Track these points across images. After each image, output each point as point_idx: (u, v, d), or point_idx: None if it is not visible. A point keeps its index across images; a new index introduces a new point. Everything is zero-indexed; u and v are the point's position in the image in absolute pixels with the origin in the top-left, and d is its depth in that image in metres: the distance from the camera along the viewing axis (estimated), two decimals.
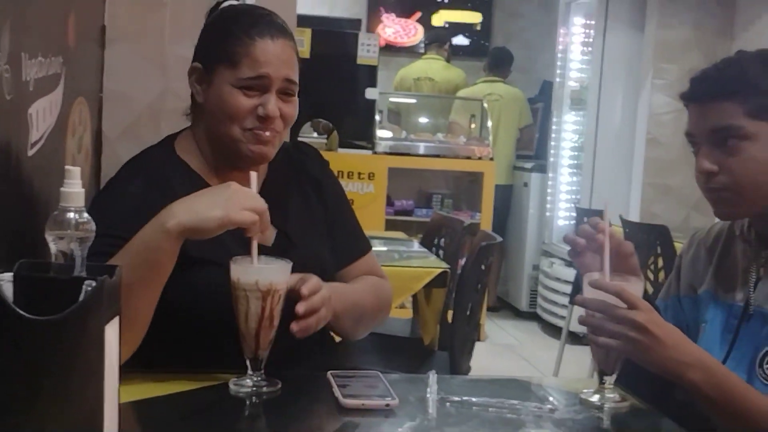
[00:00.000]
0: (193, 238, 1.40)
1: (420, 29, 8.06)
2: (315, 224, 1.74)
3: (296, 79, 1.62)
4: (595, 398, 1.47)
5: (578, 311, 1.46)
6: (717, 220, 1.72)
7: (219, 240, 1.42)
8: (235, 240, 1.46)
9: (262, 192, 1.60)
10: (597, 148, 5.69)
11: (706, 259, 1.68)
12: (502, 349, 5.52)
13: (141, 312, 1.41)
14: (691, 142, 1.57)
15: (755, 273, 1.56)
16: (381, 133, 5.56)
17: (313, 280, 1.48)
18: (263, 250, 1.44)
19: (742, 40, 5.20)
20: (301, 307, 1.44)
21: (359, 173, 5.25)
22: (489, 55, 6.96)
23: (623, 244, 1.56)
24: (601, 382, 1.48)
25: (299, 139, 4.47)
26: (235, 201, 1.39)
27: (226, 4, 1.70)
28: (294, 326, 1.44)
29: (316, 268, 1.57)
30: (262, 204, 1.41)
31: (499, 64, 6.68)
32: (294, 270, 1.46)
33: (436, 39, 7.00)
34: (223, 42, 1.59)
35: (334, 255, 1.74)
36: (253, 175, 1.48)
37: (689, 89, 1.56)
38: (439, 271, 3.07)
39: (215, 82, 1.59)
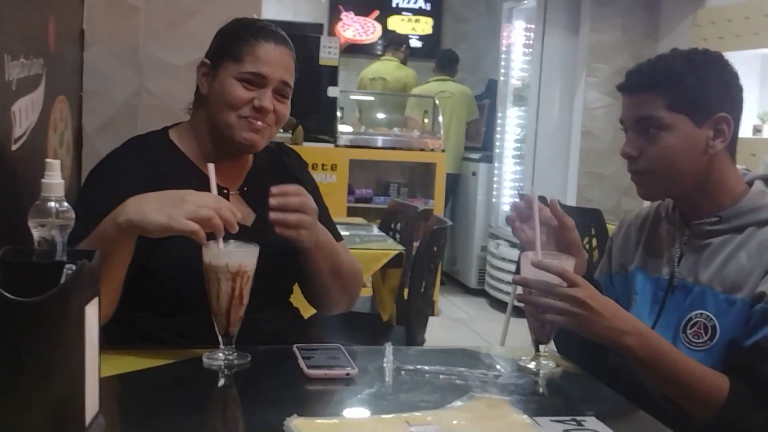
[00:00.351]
0: (142, 234, 1.37)
1: (378, 27, 8.03)
2: None
3: (291, 83, 1.67)
4: (533, 365, 1.49)
5: (522, 288, 1.47)
6: (645, 203, 1.75)
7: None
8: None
9: (246, 180, 1.68)
10: (537, 140, 5.72)
11: (636, 238, 1.70)
12: (453, 322, 5.55)
13: (104, 295, 1.37)
14: (622, 129, 1.59)
15: (679, 249, 1.59)
16: (342, 127, 5.55)
17: (289, 185, 1.52)
18: (241, 231, 1.41)
19: (666, 41, 5.26)
20: (275, 189, 1.48)
21: (323, 164, 5.24)
22: (437, 56, 6.97)
23: (565, 217, 1.59)
24: (537, 351, 1.50)
25: None
26: (181, 209, 1.33)
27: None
28: (272, 215, 1.48)
29: (291, 252, 1.59)
30: (207, 213, 1.34)
31: (447, 64, 6.72)
32: (270, 253, 1.45)
33: (394, 41, 6.99)
34: (231, 42, 1.65)
35: None
36: (211, 167, 1.46)
37: (623, 81, 1.58)
38: (396, 252, 3.07)
39: (220, 75, 1.63)
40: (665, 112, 1.50)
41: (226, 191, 1.65)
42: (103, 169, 1.62)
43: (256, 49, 1.62)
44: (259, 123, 1.62)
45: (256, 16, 1.78)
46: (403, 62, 6.79)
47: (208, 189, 1.43)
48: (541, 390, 1.43)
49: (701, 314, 1.50)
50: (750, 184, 1.57)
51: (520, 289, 1.48)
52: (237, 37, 1.65)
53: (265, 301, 1.57)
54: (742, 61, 2.51)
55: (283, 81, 1.64)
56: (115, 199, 1.41)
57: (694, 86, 1.49)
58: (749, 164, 4.11)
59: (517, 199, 1.62)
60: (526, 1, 5.78)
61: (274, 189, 1.49)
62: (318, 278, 1.70)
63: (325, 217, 1.80)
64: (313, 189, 1.80)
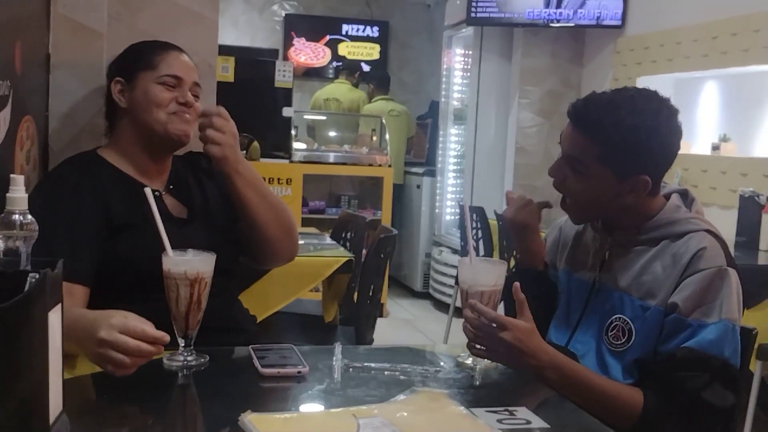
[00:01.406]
0: None
1: (328, 52, 8.03)
2: (214, 198, 1.78)
3: (200, 86, 1.75)
4: (470, 361, 1.49)
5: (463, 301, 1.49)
6: None
7: (139, 209, 1.51)
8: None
9: (170, 180, 1.74)
10: (476, 156, 5.77)
11: (565, 241, 1.71)
12: (400, 323, 5.55)
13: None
14: (560, 142, 1.58)
15: (601, 256, 1.60)
16: (297, 145, 5.53)
17: (215, 108, 1.66)
18: (180, 223, 1.65)
19: (590, 66, 5.36)
20: (202, 109, 1.65)
21: (278, 179, 5.21)
22: (376, 78, 6.96)
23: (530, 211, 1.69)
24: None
25: None
26: (101, 352, 1.25)
27: None
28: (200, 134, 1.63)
29: (225, 232, 1.72)
30: (120, 363, 1.25)
31: (386, 84, 6.85)
32: (209, 236, 1.61)
33: (348, 67, 7.13)
34: (142, 55, 1.71)
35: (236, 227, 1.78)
36: (148, 192, 1.44)
37: (574, 106, 1.53)
38: (346, 259, 3.06)
39: (138, 85, 1.69)
40: (593, 162, 1.49)
41: (157, 192, 1.68)
42: (48, 188, 1.63)
43: (167, 57, 1.70)
44: (187, 115, 1.69)
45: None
46: (355, 85, 6.87)
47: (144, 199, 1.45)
48: (477, 383, 1.44)
49: (619, 318, 1.51)
50: (667, 197, 1.58)
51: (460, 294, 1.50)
52: (147, 51, 1.72)
53: (216, 290, 1.48)
54: (657, 84, 2.57)
55: (195, 82, 1.73)
56: (66, 211, 1.52)
57: (629, 149, 1.46)
58: (699, 180, 4.17)
59: (459, 208, 1.67)
60: (464, 30, 5.84)
61: (202, 108, 1.66)
62: (250, 211, 1.68)
63: None
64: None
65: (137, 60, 1.71)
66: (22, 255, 1.02)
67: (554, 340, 1.62)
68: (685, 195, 1.61)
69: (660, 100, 1.51)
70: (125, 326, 1.24)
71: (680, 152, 1.54)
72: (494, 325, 1.42)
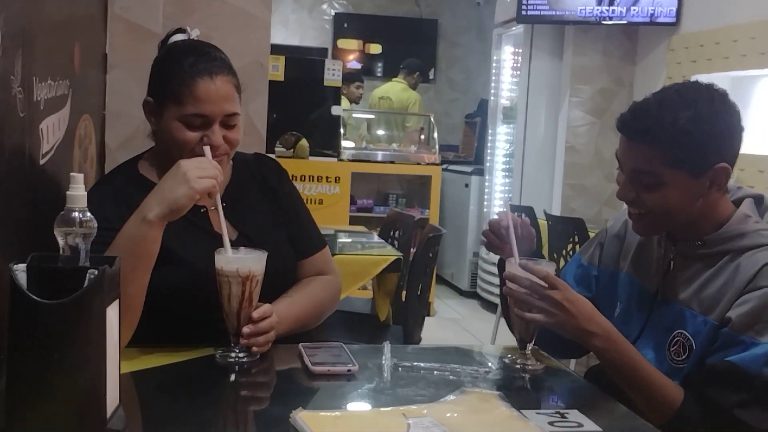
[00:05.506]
0: (173, 219, 1.39)
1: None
2: (272, 226, 1.67)
3: (237, 109, 1.55)
4: (519, 362, 1.48)
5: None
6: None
7: (187, 241, 1.48)
8: (197, 237, 1.52)
9: (225, 196, 1.56)
10: (525, 155, 5.72)
11: (630, 240, 1.63)
12: (448, 322, 5.53)
13: (135, 297, 1.38)
14: (619, 164, 1.50)
15: (666, 265, 1.53)
16: (345, 143, 5.56)
17: (265, 307, 1.44)
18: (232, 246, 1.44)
19: (642, 64, 5.27)
20: (247, 329, 1.40)
21: (327, 177, 5.24)
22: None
23: (527, 226, 1.59)
24: (523, 349, 1.49)
25: (271, 154, 4.40)
26: (191, 174, 1.38)
27: (174, 38, 1.63)
28: (242, 341, 1.40)
29: (273, 262, 1.50)
30: (214, 168, 1.41)
31: (410, 67, 6.88)
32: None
33: (409, 66, 7.00)
34: (169, 81, 1.53)
35: (291, 251, 1.68)
36: (207, 149, 1.48)
37: (624, 120, 1.45)
38: (394, 258, 3.07)
39: (165, 116, 1.53)
40: (663, 168, 1.41)
41: (203, 210, 1.59)
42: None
43: (195, 90, 1.50)
44: (215, 160, 1.50)
45: (190, 31, 1.65)
46: (413, 87, 6.84)
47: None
48: (527, 385, 1.43)
49: (681, 333, 1.45)
50: (738, 203, 1.50)
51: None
52: (173, 76, 1.52)
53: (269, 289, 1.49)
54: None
55: (227, 114, 1.53)
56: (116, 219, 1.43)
57: (696, 143, 1.39)
58: (756, 181, 4.06)
59: (499, 215, 1.60)
60: (514, 28, 5.79)
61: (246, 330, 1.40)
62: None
63: (305, 223, 1.76)
64: (292, 197, 1.75)
65: (164, 87, 1.54)
66: (81, 252, 1.04)
67: None
68: (760, 201, 1.51)
69: (707, 87, 1.45)
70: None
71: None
72: (545, 285, 1.40)
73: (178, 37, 1.64)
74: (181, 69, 1.52)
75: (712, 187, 1.43)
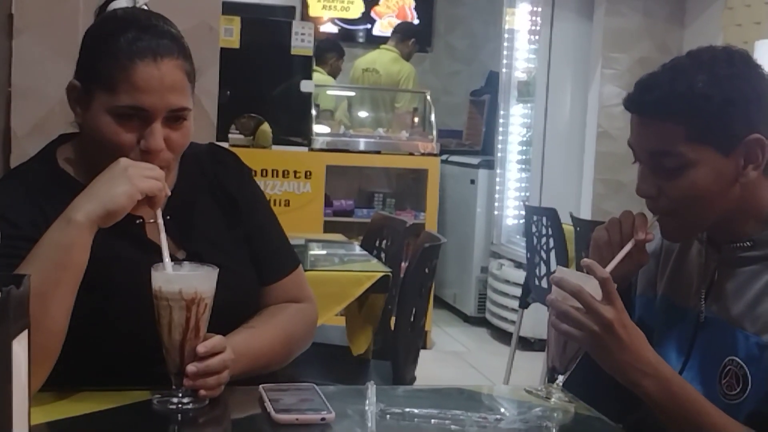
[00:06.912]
0: (106, 225, 1.40)
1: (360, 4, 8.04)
2: (229, 243, 1.67)
3: (186, 103, 1.52)
4: (539, 409, 1.46)
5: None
6: None
7: (116, 256, 1.48)
8: (130, 252, 1.52)
9: (169, 205, 1.52)
10: (546, 143, 5.74)
11: (666, 255, 1.66)
12: (449, 356, 5.55)
13: (56, 323, 1.38)
14: (633, 153, 1.55)
15: (710, 277, 1.55)
16: (318, 128, 5.56)
17: (215, 339, 1.43)
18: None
19: (693, 28, 5.31)
20: (192, 368, 1.38)
21: (295, 171, 5.23)
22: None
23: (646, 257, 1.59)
24: (551, 380, 1.50)
25: (223, 142, 4.38)
26: (134, 171, 1.40)
27: (114, 4, 1.62)
28: (186, 382, 1.39)
29: (233, 287, 1.52)
30: (158, 171, 1.44)
31: (402, 32, 6.94)
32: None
33: (402, 30, 7.03)
34: (101, 61, 1.49)
35: (255, 274, 1.68)
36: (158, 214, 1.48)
37: (632, 97, 1.52)
38: (381, 275, 3.07)
39: (93, 106, 1.50)
40: (686, 146, 1.45)
41: (140, 221, 1.56)
42: None
43: (132, 75, 1.45)
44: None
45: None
46: (406, 57, 6.83)
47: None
48: None
49: (732, 361, 1.47)
50: None
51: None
52: (105, 55, 1.48)
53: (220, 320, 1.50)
54: None
55: (173, 109, 1.49)
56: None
57: (719, 111, 1.43)
58: None
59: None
60: None
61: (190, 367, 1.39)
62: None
63: (273, 239, 1.75)
64: (259, 206, 1.75)
65: (95, 64, 1.50)
66: None
67: None
68: None
69: (722, 49, 1.51)
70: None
71: None
72: (598, 297, 1.39)
73: (120, 3, 1.63)
74: (116, 46, 1.48)
75: (747, 166, 1.47)
